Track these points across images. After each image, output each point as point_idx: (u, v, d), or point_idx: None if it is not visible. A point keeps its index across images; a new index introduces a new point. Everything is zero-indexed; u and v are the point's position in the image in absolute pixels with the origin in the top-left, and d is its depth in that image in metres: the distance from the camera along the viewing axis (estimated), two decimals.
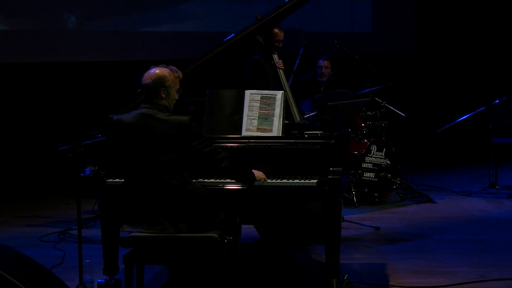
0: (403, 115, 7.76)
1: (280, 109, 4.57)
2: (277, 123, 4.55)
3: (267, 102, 4.60)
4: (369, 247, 5.81)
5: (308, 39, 7.65)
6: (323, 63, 7.65)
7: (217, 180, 4.31)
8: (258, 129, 4.56)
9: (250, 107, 4.60)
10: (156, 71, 4.16)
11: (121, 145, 4.09)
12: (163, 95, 4.12)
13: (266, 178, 4.25)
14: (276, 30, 5.98)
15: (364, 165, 7.28)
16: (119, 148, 4.11)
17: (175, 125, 4.02)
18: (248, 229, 5.95)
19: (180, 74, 4.23)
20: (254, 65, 6.10)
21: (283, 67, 5.84)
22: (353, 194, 7.19)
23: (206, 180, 4.29)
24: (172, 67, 4.23)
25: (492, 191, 7.84)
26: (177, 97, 4.21)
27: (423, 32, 10.51)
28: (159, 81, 4.12)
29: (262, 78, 5.80)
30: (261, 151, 4.36)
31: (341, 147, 4.36)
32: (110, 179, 4.39)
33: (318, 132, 4.46)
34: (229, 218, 4.24)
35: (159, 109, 4.09)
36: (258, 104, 4.60)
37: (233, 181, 4.29)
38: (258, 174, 4.23)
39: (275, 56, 5.89)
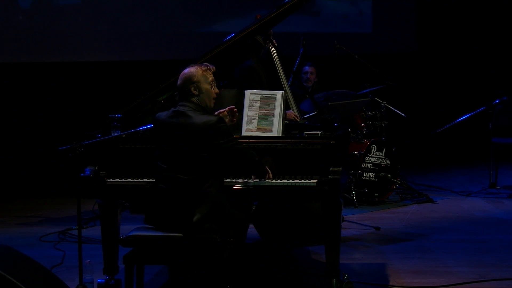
0: (403, 115, 7.77)
1: (280, 109, 4.57)
2: (277, 123, 4.55)
3: (267, 102, 4.60)
4: (369, 247, 5.81)
5: (308, 39, 7.65)
6: (309, 69, 7.76)
7: None
8: (258, 129, 4.56)
9: (250, 107, 4.60)
10: (184, 71, 4.23)
11: (156, 141, 4.18)
12: (194, 92, 4.17)
13: (271, 176, 4.26)
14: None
15: (364, 165, 7.28)
16: (155, 144, 4.20)
17: (202, 123, 4.05)
18: (248, 229, 5.95)
19: (210, 66, 4.27)
20: (248, 72, 6.10)
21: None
22: (353, 194, 7.19)
23: None
24: (203, 63, 4.30)
25: (492, 191, 7.84)
26: (215, 91, 4.25)
27: (423, 32, 10.51)
28: (187, 80, 4.18)
29: (257, 84, 5.79)
30: (261, 151, 4.35)
31: (341, 147, 4.36)
32: (110, 179, 4.40)
33: (318, 132, 4.46)
34: (246, 224, 4.27)
35: (193, 108, 4.14)
36: (258, 104, 4.60)
37: (233, 181, 4.30)
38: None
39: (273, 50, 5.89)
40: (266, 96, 4.62)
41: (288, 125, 4.78)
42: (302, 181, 4.27)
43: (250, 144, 4.39)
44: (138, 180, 4.39)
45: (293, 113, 5.67)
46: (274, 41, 5.94)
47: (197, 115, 4.10)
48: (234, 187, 4.29)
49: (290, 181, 4.28)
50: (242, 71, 6.17)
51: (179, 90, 4.21)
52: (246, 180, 4.29)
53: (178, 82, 4.22)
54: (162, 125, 4.16)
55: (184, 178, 4.05)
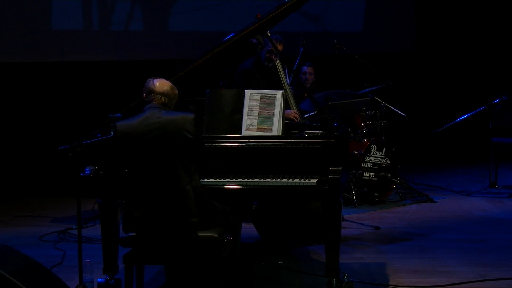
0: (403, 114, 7.77)
1: (280, 109, 4.57)
2: (277, 122, 4.55)
3: (267, 102, 4.60)
4: (369, 247, 5.81)
5: (308, 39, 7.65)
6: (307, 69, 7.76)
7: (217, 180, 4.31)
8: (258, 129, 4.56)
9: (250, 107, 4.60)
10: (170, 83, 4.21)
11: (133, 148, 3.99)
12: (169, 104, 4.17)
13: None
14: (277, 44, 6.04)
15: (364, 165, 7.28)
16: (129, 152, 4.00)
17: (185, 120, 3.98)
18: (248, 229, 5.95)
19: None
20: (245, 75, 6.11)
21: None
22: (353, 193, 7.19)
23: (206, 180, 4.29)
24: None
25: (492, 191, 7.84)
26: None
27: (423, 31, 10.52)
28: (176, 94, 4.20)
29: (254, 87, 5.80)
30: (261, 151, 4.36)
31: (341, 147, 4.36)
32: None
33: (318, 131, 4.46)
34: (229, 217, 4.23)
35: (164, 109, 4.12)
36: (258, 104, 4.60)
37: (233, 180, 4.30)
38: None
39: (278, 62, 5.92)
40: (266, 96, 4.62)
41: (288, 125, 4.79)
42: (302, 180, 4.27)
43: (250, 143, 4.39)
44: None
45: (293, 111, 5.67)
46: (273, 56, 5.97)
47: (174, 113, 4.04)
48: (233, 187, 4.29)
49: (290, 180, 4.28)
50: (240, 73, 6.19)
51: (167, 96, 4.15)
52: (246, 180, 4.29)
53: (166, 89, 4.16)
54: (138, 132, 3.97)
55: (173, 177, 3.95)
